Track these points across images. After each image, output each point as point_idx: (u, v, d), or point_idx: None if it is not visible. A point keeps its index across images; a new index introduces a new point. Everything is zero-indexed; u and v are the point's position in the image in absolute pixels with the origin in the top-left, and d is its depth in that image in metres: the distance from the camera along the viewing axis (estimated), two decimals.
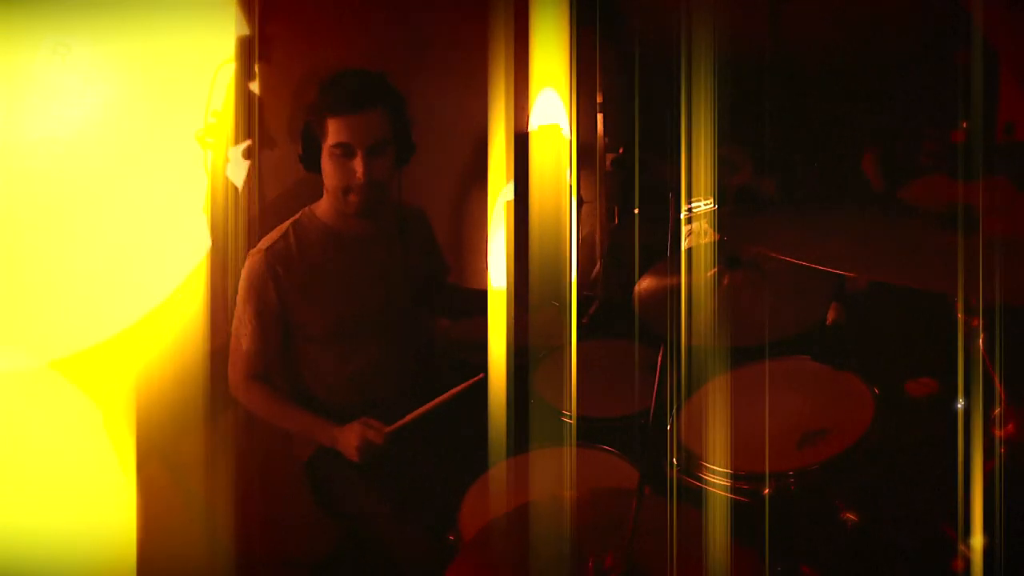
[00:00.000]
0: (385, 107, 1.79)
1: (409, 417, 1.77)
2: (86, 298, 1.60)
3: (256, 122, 2.09)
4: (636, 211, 2.94)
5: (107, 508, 1.66)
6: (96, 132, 1.60)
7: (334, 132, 1.75)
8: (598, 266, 3.15)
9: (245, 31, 1.95)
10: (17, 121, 1.47)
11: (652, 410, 1.52)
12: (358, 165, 1.76)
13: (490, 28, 2.30)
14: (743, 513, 1.43)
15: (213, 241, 1.89)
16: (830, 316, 1.90)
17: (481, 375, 1.81)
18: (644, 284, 1.93)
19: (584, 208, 3.14)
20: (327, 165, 1.79)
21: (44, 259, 1.54)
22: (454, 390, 1.79)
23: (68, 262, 1.58)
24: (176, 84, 1.78)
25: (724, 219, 1.89)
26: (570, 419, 1.82)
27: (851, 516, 1.45)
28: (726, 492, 1.47)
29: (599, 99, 3.01)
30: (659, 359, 1.36)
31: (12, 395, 1.50)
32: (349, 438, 1.76)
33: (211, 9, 1.84)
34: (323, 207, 1.89)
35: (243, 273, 1.84)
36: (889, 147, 2.34)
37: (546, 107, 2.78)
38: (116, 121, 1.63)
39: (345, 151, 1.76)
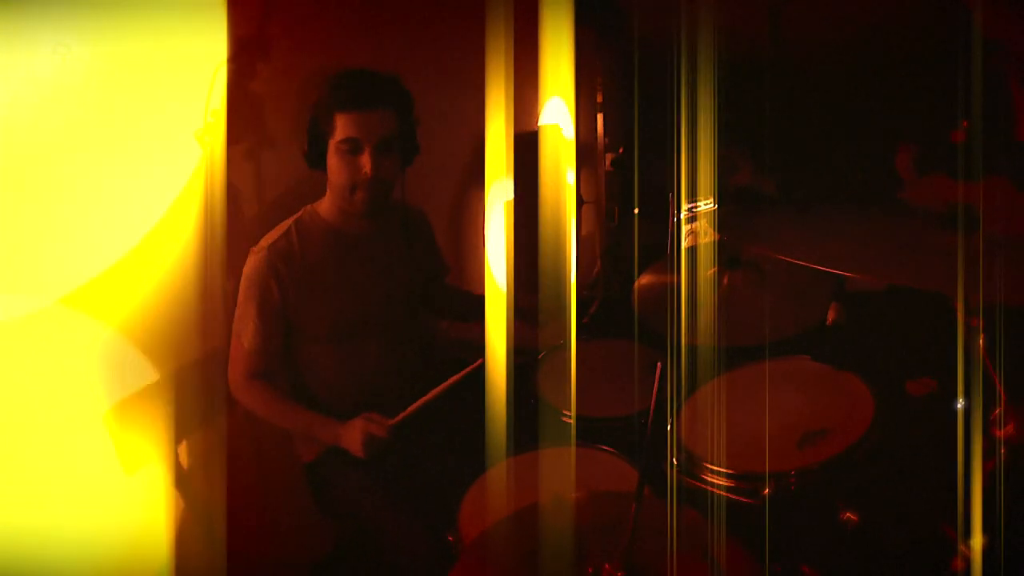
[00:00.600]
0: (395, 108, 1.79)
1: (412, 408, 1.77)
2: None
3: (256, 121, 2.09)
4: (636, 211, 2.95)
5: (107, 509, 1.66)
6: (96, 132, 1.60)
7: (343, 127, 1.74)
8: (598, 266, 3.16)
9: (243, 30, 1.96)
10: (17, 121, 1.47)
11: (652, 410, 1.52)
12: (366, 161, 1.76)
13: (489, 27, 2.30)
14: (743, 513, 1.43)
15: (213, 241, 1.89)
16: (830, 316, 1.90)
17: (480, 361, 1.80)
18: (643, 282, 1.94)
19: (584, 208, 3.14)
20: (333, 161, 1.78)
21: (44, 251, 1.54)
22: (454, 377, 1.78)
23: (68, 255, 1.58)
24: (176, 84, 1.78)
25: (724, 219, 1.89)
26: (570, 419, 1.82)
27: (851, 516, 1.45)
28: (726, 492, 1.47)
29: (599, 99, 3.01)
30: (657, 369, 1.36)
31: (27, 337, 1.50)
32: (353, 434, 1.76)
33: (211, 9, 1.84)
34: (326, 205, 1.89)
35: (244, 271, 1.84)
36: (925, 142, 2.33)
37: (546, 107, 2.78)
38: (116, 121, 1.63)
39: (353, 147, 1.75)
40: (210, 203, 1.88)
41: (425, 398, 1.78)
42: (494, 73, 2.28)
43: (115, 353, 1.66)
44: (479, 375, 1.81)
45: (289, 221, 1.88)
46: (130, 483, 1.68)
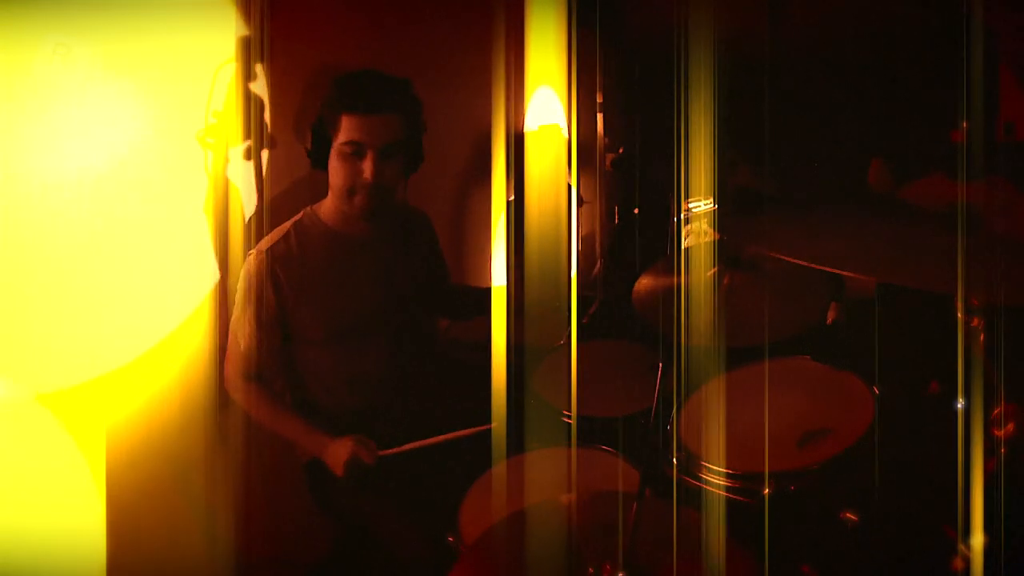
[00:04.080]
0: (402, 113, 1.77)
1: (406, 447, 1.75)
2: (83, 329, 1.60)
3: (257, 122, 2.09)
4: (636, 211, 2.95)
5: (107, 507, 1.66)
6: (96, 132, 1.60)
7: (347, 129, 1.72)
8: (598, 266, 3.16)
9: (246, 31, 1.95)
10: (17, 121, 1.47)
11: (653, 410, 1.53)
12: (367, 165, 1.73)
13: (492, 29, 2.30)
14: (743, 513, 1.43)
15: (213, 241, 1.89)
16: (830, 316, 1.90)
17: (488, 426, 1.77)
18: (643, 282, 1.94)
19: (584, 208, 3.14)
20: (334, 163, 1.76)
21: (42, 268, 1.54)
22: (458, 433, 1.77)
23: (67, 273, 1.58)
24: (176, 84, 1.77)
25: (724, 219, 1.89)
26: (570, 419, 1.82)
27: (851, 516, 1.45)
28: (726, 492, 1.47)
29: (599, 99, 3.01)
30: (659, 370, 1.36)
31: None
32: (338, 452, 1.74)
33: (211, 9, 1.84)
34: (326, 208, 1.88)
35: (242, 273, 1.83)
36: (897, 154, 2.34)
37: (546, 107, 2.79)
38: (116, 121, 1.63)
39: (356, 150, 1.73)
40: (210, 203, 1.88)
41: (422, 442, 1.76)
42: (498, 73, 2.28)
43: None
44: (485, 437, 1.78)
45: (288, 223, 1.87)
46: (130, 483, 1.68)
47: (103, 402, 1.63)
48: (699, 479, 1.51)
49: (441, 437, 1.77)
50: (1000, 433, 1.39)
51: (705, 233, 2.24)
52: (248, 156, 2.10)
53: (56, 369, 1.57)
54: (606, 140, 3.06)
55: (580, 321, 2.36)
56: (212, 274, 1.89)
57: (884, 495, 1.54)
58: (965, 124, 1.85)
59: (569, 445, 1.77)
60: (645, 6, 2.97)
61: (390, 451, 1.74)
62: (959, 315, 1.37)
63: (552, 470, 1.68)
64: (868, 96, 2.53)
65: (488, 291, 2.13)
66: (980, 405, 1.38)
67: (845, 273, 1.35)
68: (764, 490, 1.44)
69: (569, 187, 2.84)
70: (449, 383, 2.04)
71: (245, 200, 2.09)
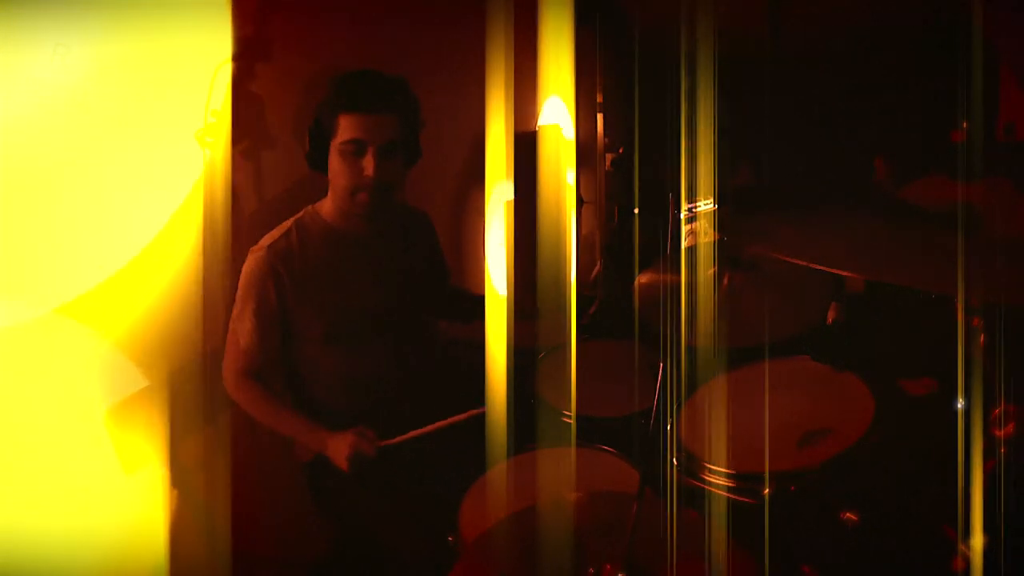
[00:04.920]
0: (400, 111, 1.78)
1: (406, 436, 1.76)
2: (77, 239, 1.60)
3: (256, 121, 2.09)
4: (636, 211, 2.94)
5: (106, 507, 1.66)
6: (96, 132, 1.60)
7: (346, 128, 1.73)
8: (598, 266, 3.16)
9: (244, 31, 1.96)
10: (17, 121, 1.47)
11: (653, 410, 1.52)
12: (368, 163, 1.74)
13: (489, 28, 2.30)
14: (743, 513, 1.43)
15: (212, 241, 1.89)
16: (830, 316, 1.89)
17: (482, 409, 1.79)
18: (644, 282, 1.94)
19: (584, 208, 3.14)
20: (335, 163, 1.77)
21: (44, 257, 1.54)
22: (454, 418, 1.78)
23: (67, 261, 1.58)
24: (176, 84, 1.77)
25: (724, 219, 1.89)
26: (570, 419, 1.82)
27: (851, 516, 1.45)
28: (726, 492, 1.47)
29: (599, 99, 3.01)
30: (660, 369, 1.36)
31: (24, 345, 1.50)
32: (340, 446, 1.74)
33: (210, 9, 1.84)
34: (327, 206, 1.88)
35: (243, 270, 1.83)
36: (899, 151, 2.34)
37: (546, 107, 2.78)
38: (116, 121, 1.63)
39: (356, 148, 1.74)
40: (211, 203, 1.88)
41: (419, 431, 1.76)
42: (495, 72, 2.28)
43: (115, 355, 1.66)
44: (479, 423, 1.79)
45: (289, 222, 1.87)
46: (129, 483, 1.68)
47: (120, 300, 1.64)
48: (699, 479, 1.51)
49: (439, 424, 1.77)
50: (1000, 433, 1.39)
51: (706, 233, 2.24)
52: (248, 156, 2.11)
53: (63, 281, 1.57)
54: (606, 140, 3.06)
55: (580, 321, 2.35)
56: (208, 279, 1.88)
57: (884, 495, 1.54)
58: (965, 124, 1.85)
59: (569, 445, 1.77)
60: (645, 5, 2.97)
61: (390, 441, 1.75)
62: (959, 315, 1.37)
63: (552, 470, 1.68)
64: (868, 96, 2.53)
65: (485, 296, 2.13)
66: (980, 405, 1.38)
67: (845, 273, 1.35)
68: (764, 490, 1.44)
69: (570, 187, 2.85)
70: (449, 382, 2.04)
71: (245, 199, 2.09)
